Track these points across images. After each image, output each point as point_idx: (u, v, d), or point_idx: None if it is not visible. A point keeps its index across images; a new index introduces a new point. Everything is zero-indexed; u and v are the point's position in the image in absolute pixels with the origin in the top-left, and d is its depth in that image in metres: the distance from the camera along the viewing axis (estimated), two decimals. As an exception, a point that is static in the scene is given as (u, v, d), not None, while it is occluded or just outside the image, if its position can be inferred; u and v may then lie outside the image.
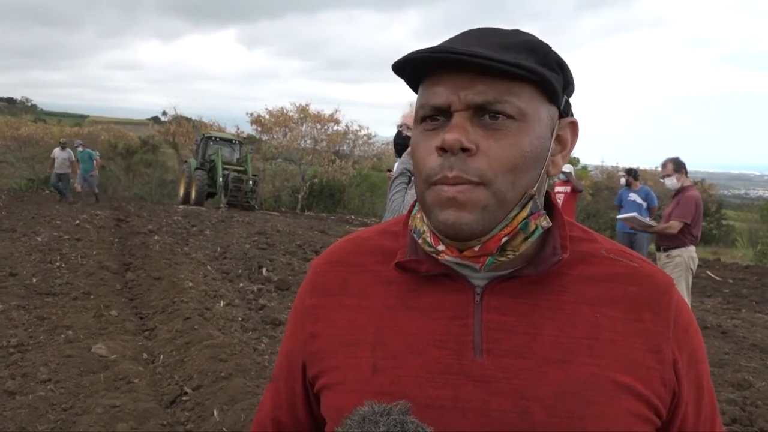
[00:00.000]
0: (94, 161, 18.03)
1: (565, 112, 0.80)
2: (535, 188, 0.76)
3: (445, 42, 0.78)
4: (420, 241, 0.80)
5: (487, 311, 0.77)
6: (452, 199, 0.72)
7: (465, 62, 0.71)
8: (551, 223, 0.79)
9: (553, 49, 0.77)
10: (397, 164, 3.27)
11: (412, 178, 2.82)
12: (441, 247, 0.77)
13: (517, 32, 0.77)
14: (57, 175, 17.14)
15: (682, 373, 0.77)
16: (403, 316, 0.79)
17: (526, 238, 0.76)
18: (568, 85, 0.79)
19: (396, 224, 0.88)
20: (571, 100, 0.81)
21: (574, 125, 0.81)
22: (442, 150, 0.73)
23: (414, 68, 0.77)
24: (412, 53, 0.74)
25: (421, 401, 0.73)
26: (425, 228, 0.79)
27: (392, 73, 0.78)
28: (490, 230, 0.74)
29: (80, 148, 17.97)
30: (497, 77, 0.72)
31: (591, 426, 0.72)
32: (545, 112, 0.76)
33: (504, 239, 0.75)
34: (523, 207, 0.75)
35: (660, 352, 0.76)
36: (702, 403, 0.81)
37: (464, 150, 0.72)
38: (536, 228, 0.76)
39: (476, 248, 0.75)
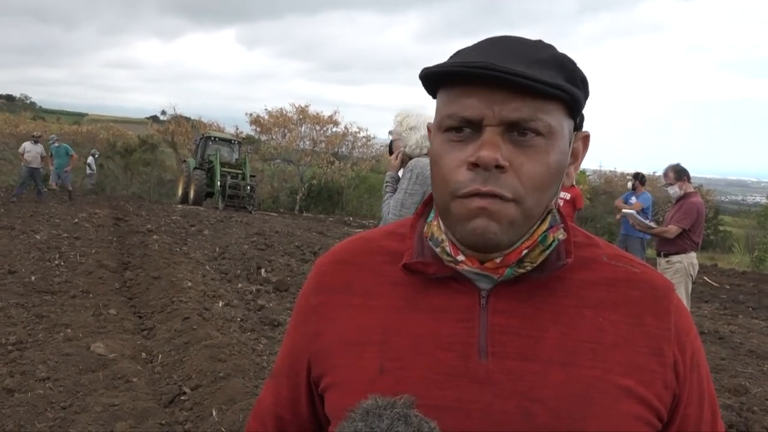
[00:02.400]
0: (70, 157, 16.59)
1: (579, 125, 0.81)
2: (553, 201, 0.78)
3: (471, 52, 0.77)
4: (438, 249, 0.80)
5: (492, 314, 0.77)
6: (483, 209, 0.72)
7: (503, 79, 0.70)
8: (566, 236, 0.80)
9: (577, 64, 0.78)
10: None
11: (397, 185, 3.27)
12: (461, 257, 0.78)
13: (545, 46, 0.78)
14: (29, 169, 15.46)
15: (684, 375, 0.79)
16: (410, 318, 0.80)
17: (543, 251, 0.77)
18: (586, 100, 0.80)
19: (402, 226, 0.88)
20: None
21: (586, 138, 0.83)
22: (474, 165, 0.73)
23: (442, 77, 0.76)
24: (450, 65, 0.74)
25: (427, 402, 0.74)
26: (444, 237, 0.80)
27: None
28: (514, 243, 0.76)
29: (55, 144, 16.51)
30: (532, 95, 0.72)
31: (593, 428, 0.73)
32: (567, 127, 0.77)
33: (524, 252, 0.76)
34: (543, 220, 0.77)
35: (662, 355, 0.77)
36: (703, 406, 0.82)
37: (497, 167, 0.72)
38: (554, 240, 0.78)
39: (497, 260, 0.77)
